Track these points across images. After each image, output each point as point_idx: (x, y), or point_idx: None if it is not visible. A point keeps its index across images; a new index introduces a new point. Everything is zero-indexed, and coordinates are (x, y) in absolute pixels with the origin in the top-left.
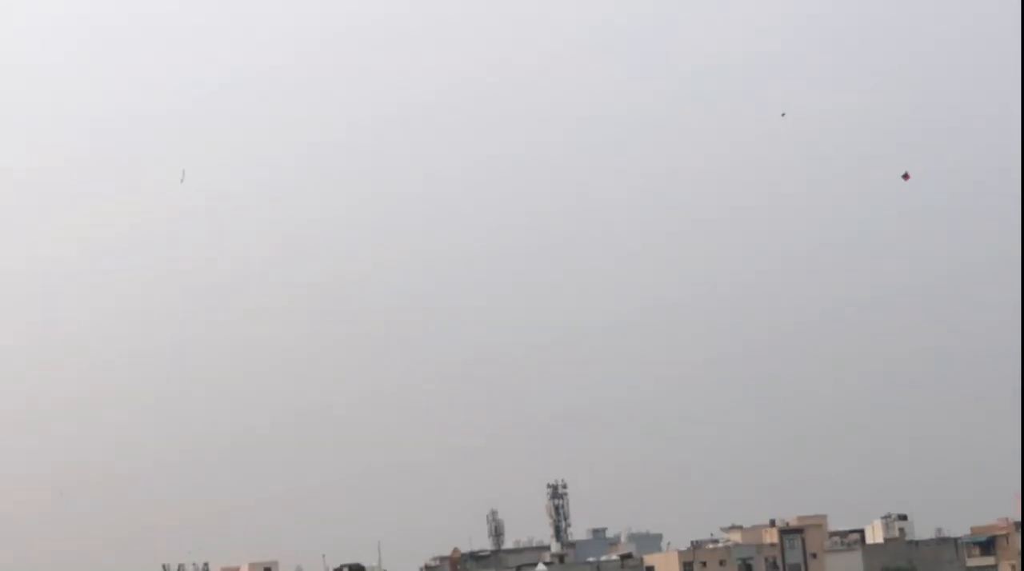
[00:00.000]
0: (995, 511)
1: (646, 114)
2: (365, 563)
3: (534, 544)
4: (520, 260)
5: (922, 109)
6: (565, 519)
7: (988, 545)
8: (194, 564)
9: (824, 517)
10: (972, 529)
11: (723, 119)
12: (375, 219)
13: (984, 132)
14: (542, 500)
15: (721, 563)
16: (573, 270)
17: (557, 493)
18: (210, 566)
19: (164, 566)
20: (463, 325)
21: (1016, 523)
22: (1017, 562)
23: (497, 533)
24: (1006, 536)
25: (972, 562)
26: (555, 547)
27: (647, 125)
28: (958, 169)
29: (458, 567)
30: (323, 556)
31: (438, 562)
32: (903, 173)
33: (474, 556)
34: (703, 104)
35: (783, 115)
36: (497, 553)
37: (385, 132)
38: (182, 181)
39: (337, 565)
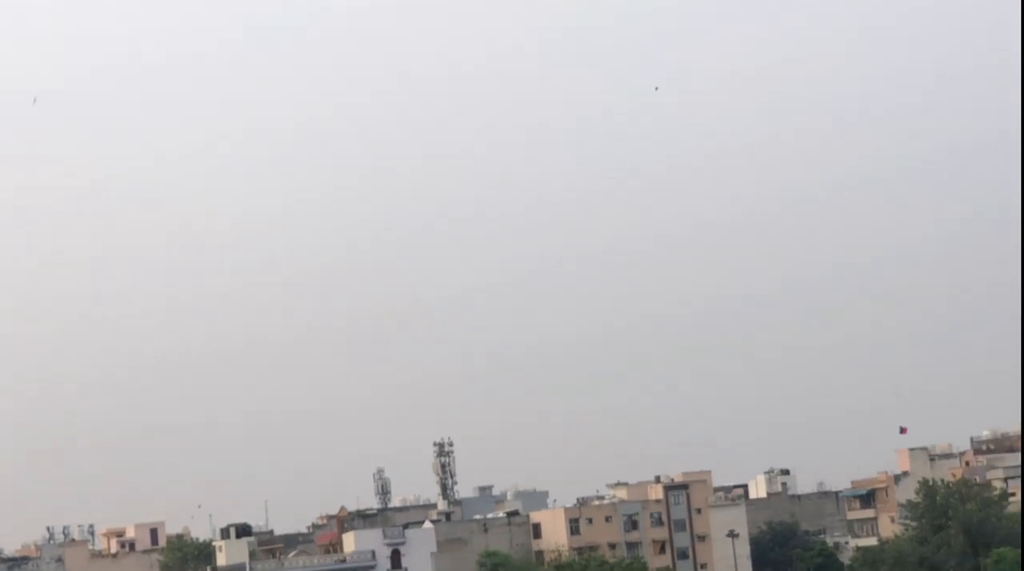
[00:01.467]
0: (875, 465)
1: None
2: (252, 523)
3: (421, 502)
4: (410, 224)
5: None
6: (452, 477)
7: (868, 498)
8: (79, 526)
9: (708, 473)
10: (852, 483)
11: None
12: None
13: None
14: (429, 459)
15: (607, 519)
16: (461, 230)
17: (444, 451)
18: (96, 528)
19: (48, 528)
20: (353, 284)
21: (894, 476)
22: (896, 514)
23: (384, 492)
24: (885, 489)
25: (852, 515)
26: (442, 505)
27: None
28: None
29: (345, 526)
30: (210, 516)
31: (325, 521)
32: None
33: (361, 515)
34: None
35: (656, 88)
36: (384, 511)
37: None
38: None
39: (224, 525)
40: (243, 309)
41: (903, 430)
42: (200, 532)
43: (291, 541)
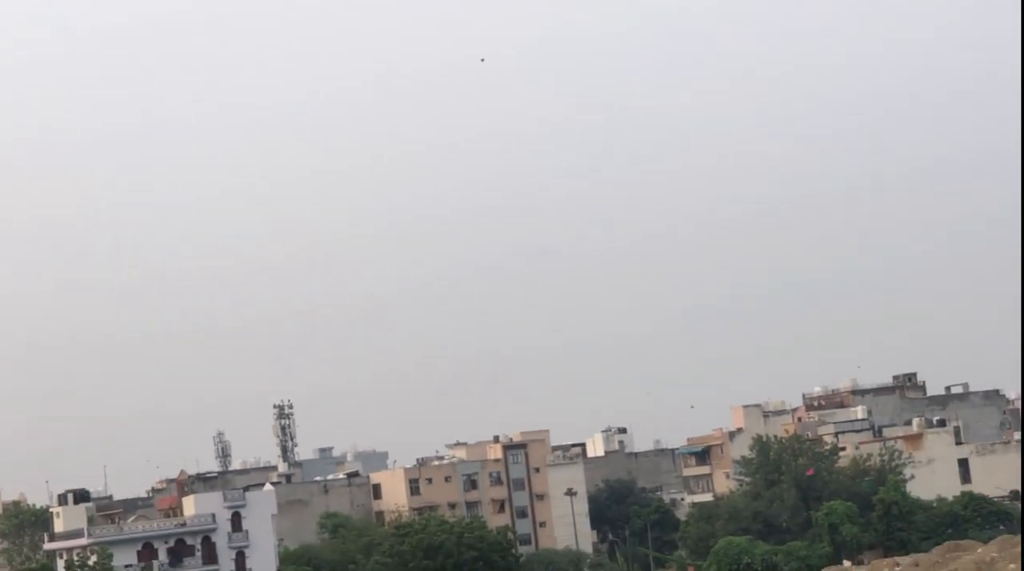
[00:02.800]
0: (709, 423)
1: None
2: (91, 489)
3: (261, 465)
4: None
5: None
6: (292, 439)
7: (703, 455)
8: None
9: (546, 432)
10: (688, 440)
11: None
12: None
13: None
14: (269, 421)
15: (446, 479)
16: (316, 177)
17: (283, 413)
18: None
19: None
20: (183, 231)
21: (729, 433)
22: (730, 470)
23: (224, 455)
24: (720, 445)
25: (688, 471)
26: (282, 467)
27: None
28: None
29: (185, 489)
30: (47, 482)
31: (165, 485)
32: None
33: (201, 478)
34: None
35: (482, 60)
36: (224, 474)
37: None
38: None
39: (61, 491)
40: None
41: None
42: (37, 498)
43: (130, 506)
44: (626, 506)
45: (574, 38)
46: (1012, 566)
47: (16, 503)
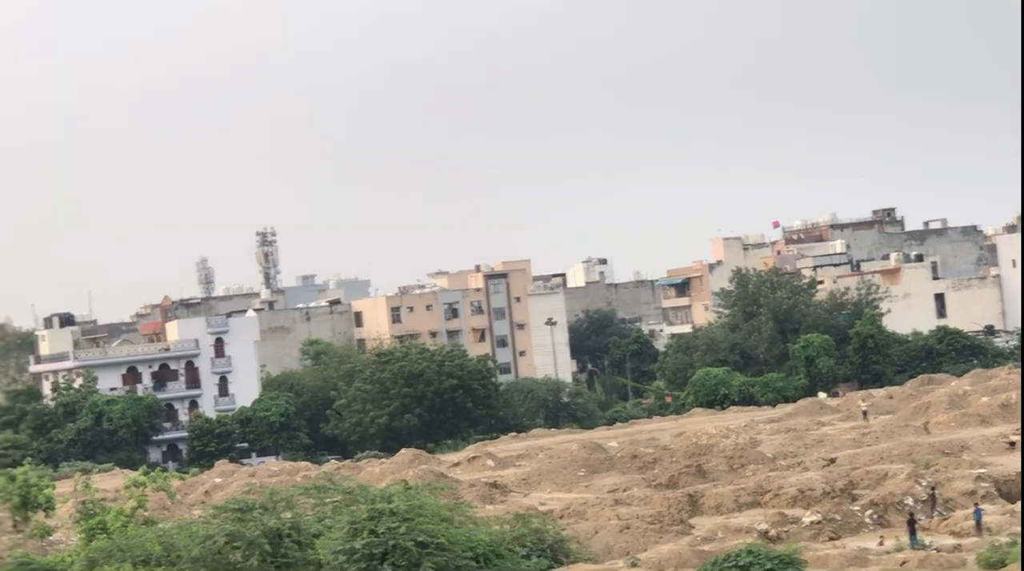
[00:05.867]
0: (689, 254)
1: None
2: (75, 313)
3: (244, 291)
4: None
5: None
6: (275, 266)
7: (683, 287)
8: None
9: (528, 262)
10: (668, 272)
11: None
12: None
13: None
14: (252, 248)
15: (427, 308)
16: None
17: (267, 240)
18: None
19: None
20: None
21: (708, 265)
22: (709, 302)
23: (207, 281)
24: (699, 278)
25: (667, 303)
26: (265, 294)
27: None
28: None
29: (168, 315)
30: (32, 306)
31: (149, 310)
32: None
33: (184, 304)
34: None
35: None
36: (207, 301)
37: None
38: None
39: (47, 315)
40: None
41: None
42: (22, 321)
43: (115, 330)
44: (605, 336)
45: None
46: (985, 399)
47: (1, 326)
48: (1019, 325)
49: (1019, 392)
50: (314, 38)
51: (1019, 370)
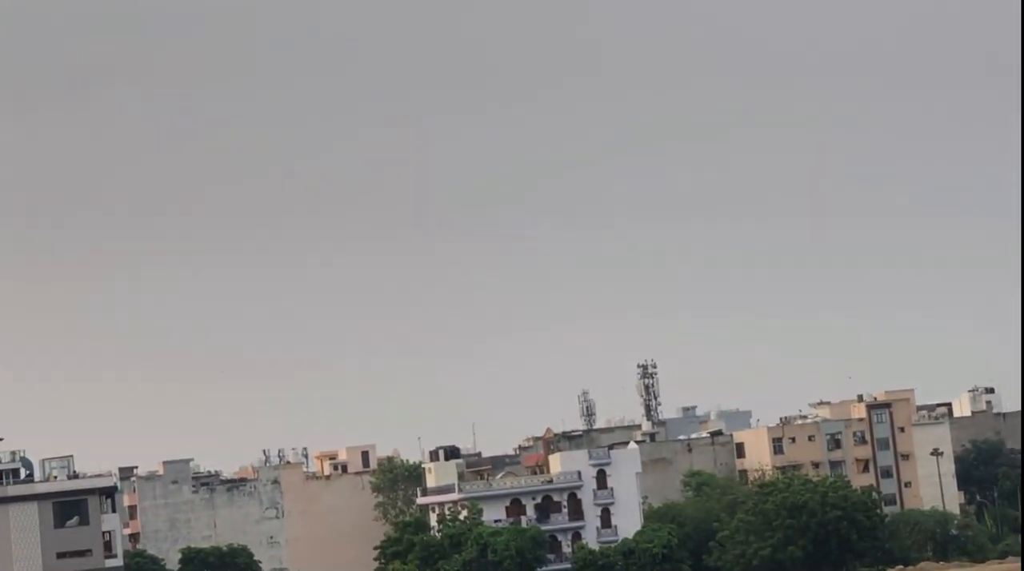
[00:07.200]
0: None
1: None
2: (460, 446)
3: (625, 424)
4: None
5: None
6: (655, 398)
7: None
8: (293, 449)
9: (911, 391)
10: None
11: None
12: None
13: None
14: (633, 380)
15: (810, 438)
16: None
17: (647, 373)
18: (309, 451)
19: (264, 451)
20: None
21: None
22: None
23: (589, 413)
24: None
25: None
26: (646, 426)
27: None
28: None
29: (551, 447)
30: (419, 439)
31: (532, 443)
32: None
33: (567, 436)
34: None
35: None
36: (589, 432)
37: None
38: None
39: (432, 448)
40: None
41: None
42: (410, 455)
43: (498, 463)
44: (994, 467)
45: None
46: None
47: (390, 459)
48: None
49: None
50: None
51: None
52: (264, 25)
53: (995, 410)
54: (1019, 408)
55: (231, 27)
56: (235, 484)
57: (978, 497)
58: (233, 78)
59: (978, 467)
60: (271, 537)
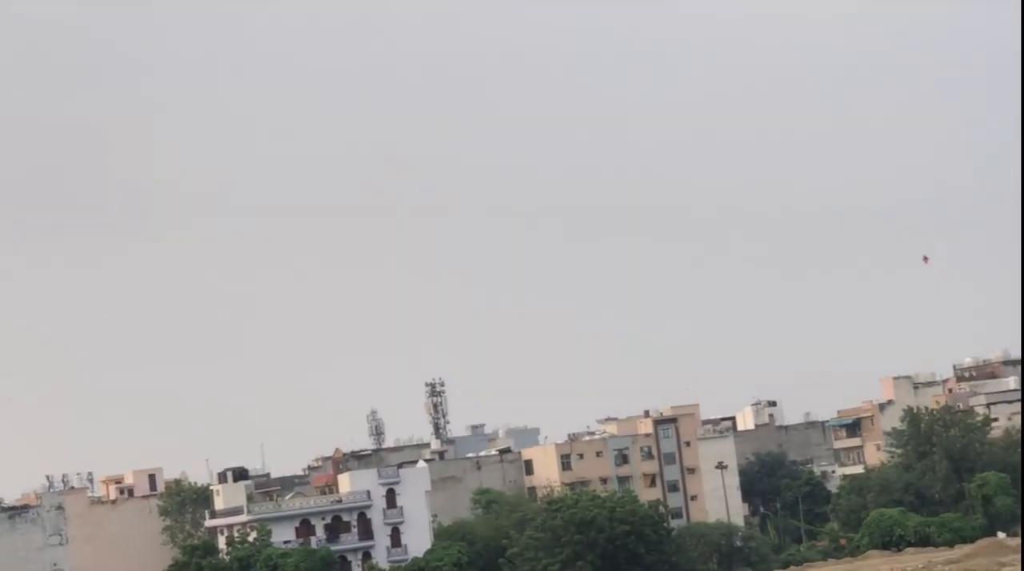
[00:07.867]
0: (860, 395)
1: None
2: (249, 466)
3: (414, 442)
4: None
5: None
6: (444, 416)
7: (854, 427)
8: (78, 473)
9: (696, 406)
10: (838, 412)
11: None
12: None
13: None
14: (421, 399)
15: (598, 454)
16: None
17: (435, 391)
18: (94, 475)
19: (48, 476)
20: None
21: (879, 405)
22: (881, 442)
23: (378, 432)
24: (870, 418)
25: (839, 444)
26: (435, 444)
27: None
28: None
29: (340, 467)
30: (207, 461)
31: (321, 463)
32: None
33: (356, 455)
34: None
35: None
36: (378, 452)
37: None
38: None
39: (220, 469)
40: None
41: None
42: (197, 477)
43: (287, 483)
44: (777, 479)
45: None
46: None
47: (178, 482)
48: None
49: None
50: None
51: None
52: None
53: (777, 423)
54: (800, 421)
55: None
56: (17, 511)
57: (761, 508)
58: None
59: (761, 479)
60: (54, 564)
